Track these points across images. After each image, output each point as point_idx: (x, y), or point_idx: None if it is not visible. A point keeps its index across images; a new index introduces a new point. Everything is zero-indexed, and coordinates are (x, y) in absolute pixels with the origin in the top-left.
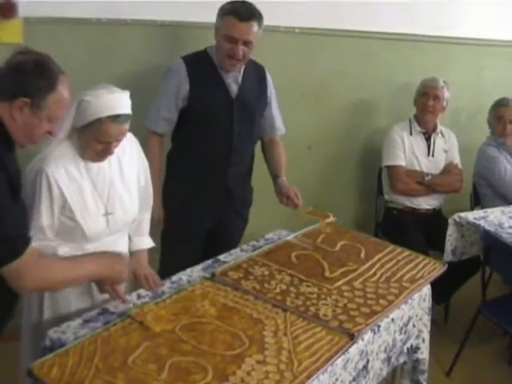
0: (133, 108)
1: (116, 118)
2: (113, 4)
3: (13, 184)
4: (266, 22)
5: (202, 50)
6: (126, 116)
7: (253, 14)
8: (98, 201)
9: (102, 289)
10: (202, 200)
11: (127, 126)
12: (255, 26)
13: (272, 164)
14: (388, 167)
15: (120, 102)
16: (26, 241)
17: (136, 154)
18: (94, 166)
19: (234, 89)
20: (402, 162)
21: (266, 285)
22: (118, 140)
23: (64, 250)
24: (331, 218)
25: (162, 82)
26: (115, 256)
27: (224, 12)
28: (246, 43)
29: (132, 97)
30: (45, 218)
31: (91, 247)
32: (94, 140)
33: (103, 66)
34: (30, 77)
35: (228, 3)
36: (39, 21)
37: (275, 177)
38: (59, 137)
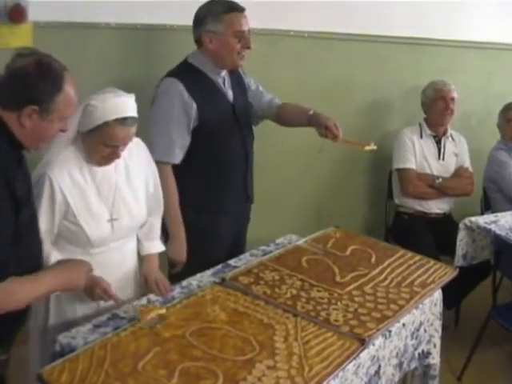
0: (139, 112)
1: (123, 121)
2: (122, 8)
3: (17, 197)
4: (276, 26)
5: (183, 62)
6: (132, 119)
7: (239, 4)
8: (103, 206)
9: (92, 296)
10: (223, 221)
11: (134, 129)
12: None
13: (295, 113)
14: (398, 170)
15: (126, 105)
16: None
17: (144, 159)
18: (99, 170)
19: (229, 93)
20: (412, 165)
21: (276, 290)
22: (125, 144)
23: (57, 256)
24: (372, 146)
25: (158, 106)
26: (71, 264)
27: (220, 13)
28: (249, 32)
29: (140, 101)
30: (43, 222)
31: (97, 252)
32: (101, 144)
33: (112, 70)
34: (34, 82)
35: (213, 4)
36: (49, 25)
37: (307, 115)
38: (65, 142)
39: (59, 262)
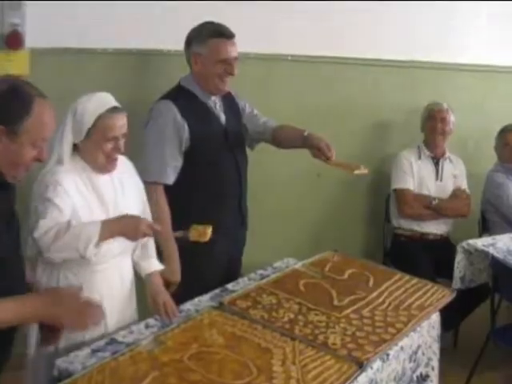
0: (134, 135)
1: (114, 110)
2: (118, 34)
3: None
4: (274, 51)
5: (176, 85)
6: (119, 108)
7: (231, 31)
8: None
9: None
10: (218, 245)
11: (126, 118)
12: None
13: (291, 134)
14: (396, 190)
15: (108, 97)
16: None
17: (134, 176)
18: (99, 183)
19: (222, 116)
20: (409, 186)
21: (274, 313)
22: (123, 134)
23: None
24: (363, 170)
25: (152, 127)
26: (56, 298)
27: (205, 36)
28: (236, 59)
29: (136, 124)
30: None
31: (99, 269)
32: (103, 140)
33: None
34: (2, 102)
35: (202, 27)
36: (46, 51)
37: (302, 136)
38: (62, 161)
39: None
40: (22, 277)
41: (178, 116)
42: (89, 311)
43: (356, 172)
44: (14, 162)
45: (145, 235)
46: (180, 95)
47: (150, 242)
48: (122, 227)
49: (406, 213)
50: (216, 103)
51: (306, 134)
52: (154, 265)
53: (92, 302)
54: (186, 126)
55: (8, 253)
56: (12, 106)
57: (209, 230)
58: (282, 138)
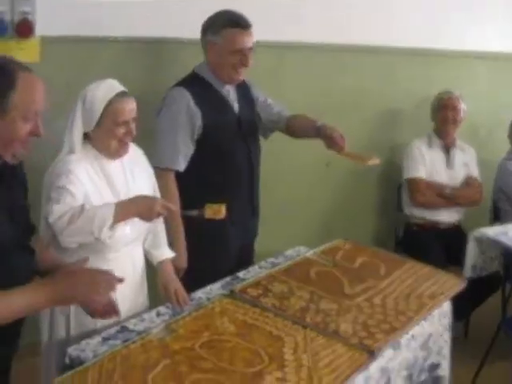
0: (146, 123)
1: (123, 94)
2: (130, 22)
3: None
4: (285, 38)
5: (190, 73)
6: (128, 93)
7: (248, 21)
8: None
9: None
10: (230, 232)
11: (135, 102)
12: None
13: (304, 124)
14: (408, 180)
15: (116, 83)
16: None
17: (144, 163)
18: (110, 170)
19: (235, 104)
20: (422, 175)
21: (285, 302)
22: (133, 118)
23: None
24: (375, 160)
25: (165, 114)
26: (64, 276)
27: (221, 26)
28: (251, 50)
29: (147, 112)
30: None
31: (112, 257)
32: (114, 126)
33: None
34: None
35: (218, 16)
36: (56, 39)
37: (314, 126)
38: (73, 150)
39: (55, 275)
40: (25, 268)
41: (192, 103)
42: (99, 278)
43: (369, 163)
44: (9, 139)
45: (159, 215)
46: (194, 83)
47: (162, 230)
48: (136, 208)
49: (419, 201)
50: (230, 92)
51: (318, 124)
52: (165, 253)
53: (101, 270)
54: (200, 114)
55: (9, 243)
56: None
57: (223, 208)
58: (296, 128)
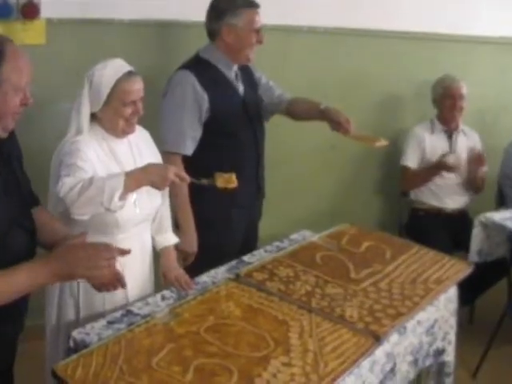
0: (152, 106)
1: (130, 73)
2: (135, 4)
3: None
4: (289, 22)
5: (194, 56)
6: (135, 72)
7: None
8: None
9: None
10: (235, 213)
11: (142, 82)
12: None
13: (307, 107)
14: (401, 166)
15: (122, 62)
16: None
17: (151, 145)
18: (118, 150)
19: (240, 87)
20: (411, 164)
21: (290, 286)
22: (140, 97)
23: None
24: (383, 142)
25: (171, 97)
26: (63, 252)
27: (240, 8)
28: (262, 28)
29: (153, 95)
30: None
31: (121, 238)
32: (121, 105)
33: None
34: None
35: (234, 1)
36: (61, 21)
37: (318, 109)
38: (81, 131)
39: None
40: (23, 247)
41: (198, 86)
42: (98, 253)
43: (377, 144)
44: (2, 113)
45: (172, 182)
46: (199, 66)
47: (167, 216)
48: (148, 175)
49: (403, 188)
50: (237, 74)
51: (322, 107)
52: (168, 239)
53: (100, 243)
54: (206, 97)
55: (4, 220)
56: None
57: (234, 177)
58: (298, 110)
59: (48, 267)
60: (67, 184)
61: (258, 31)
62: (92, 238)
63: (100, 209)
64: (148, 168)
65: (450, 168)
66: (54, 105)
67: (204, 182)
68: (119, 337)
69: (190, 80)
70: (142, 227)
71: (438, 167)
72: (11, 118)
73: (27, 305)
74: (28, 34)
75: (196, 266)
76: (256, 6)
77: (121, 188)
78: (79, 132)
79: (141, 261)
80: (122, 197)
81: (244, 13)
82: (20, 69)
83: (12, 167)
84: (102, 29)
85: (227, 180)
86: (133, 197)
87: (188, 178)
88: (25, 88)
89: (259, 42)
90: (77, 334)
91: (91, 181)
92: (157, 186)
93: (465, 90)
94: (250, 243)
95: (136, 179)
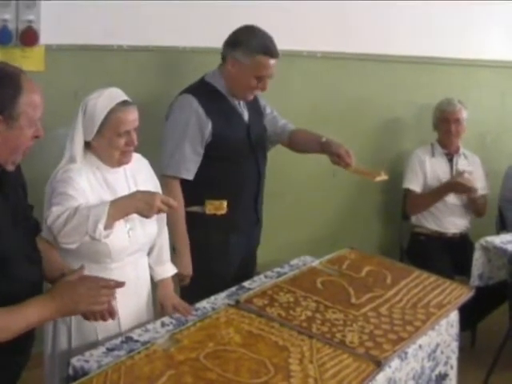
0: (152, 130)
1: (125, 103)
2: (134, 31)
3: None
4: (289, 46)
5: (199, 80)
6: (130, 102)
7: (277, 49)
8: None
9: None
10: (234, 239)
11: (137, 112)
12: None
13: (308, 139)
14: (404, 190)
15: (118, 91)
16: None
17: (148, 173)
18: (112, 180)
19: (245, 114)
20: (414, 187)
21: (291, 311)
22: (135, 128)
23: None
24: (383, 176)
25: (173, 121)
26: (64, 288)
27: (254, 50)
28: (271, 76)
29: (153, 121)
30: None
31: (114, 266)
32: (115, 136)
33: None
34: None
35: (253, 37)
36: (60, 48)
37: (319, 142)
38: (74, 159)
39: (53, 287)
40: (27, 279)
41: (201, 111)
42: (100, 289)
43: (377, 179)
44: (16, 148)
45: (160, 211)
46: (203, 91)
47: (166, 246)
48: (135, 202)
49: (409, 212)
50: (240, 102)
51: (324, 139)
52: (167, 270)
53: (99, 278)
54: (210, 123)
55: (12, 253)
56: (3, 92)
57: (224, 204)
58: (300, 142)
59: (55, 303)
60: (54, 212)
61: (263, 78)
62: (86, 267)
63: (85, 237)
64: (135, 195)
65: (466, 188)
66: (52, 131)
67: (194, 208)
68: (119, 364)
69: (193, 105)
70: (137, 256)
71: (452, 187)
72: (22, 152)
73: (34, 336)
74: (27, 61)
75: (193, 291)
76: (274, 55)
77: (105, 216)
78: (72, 160)
79: (135, 290)
80: (108, 225)
81: (256, 58)
82: (35, 102)
83: (18, 196)
84: (101, 55)
85: (217, 207)
86: (126, 226)
87: (176, 205)
88: (38, 121)
89: (261, 89)
90: (76, 361)
91: (77, 209)
92: (143, 213)
93: (462, 114)
94: (247, 268)
95: (121, 207)
